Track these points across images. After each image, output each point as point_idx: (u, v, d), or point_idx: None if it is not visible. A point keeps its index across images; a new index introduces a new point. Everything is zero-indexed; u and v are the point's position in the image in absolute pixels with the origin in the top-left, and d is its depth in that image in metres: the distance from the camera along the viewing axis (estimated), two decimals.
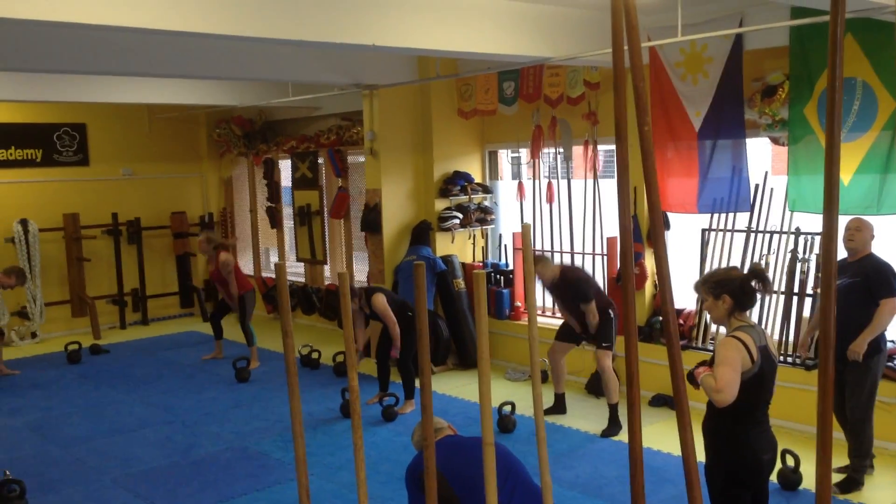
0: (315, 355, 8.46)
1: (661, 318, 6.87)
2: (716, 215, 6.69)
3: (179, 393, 7.67)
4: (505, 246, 8.69)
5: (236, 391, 7.67)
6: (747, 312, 3.58)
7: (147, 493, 5.36)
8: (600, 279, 7.50)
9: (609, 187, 7.56)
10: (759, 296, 3.61)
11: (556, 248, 7.94)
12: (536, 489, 3.28)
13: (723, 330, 3.63)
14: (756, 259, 6.49)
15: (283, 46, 6.39)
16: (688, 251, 6.95)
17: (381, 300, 6.58)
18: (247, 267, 11.40)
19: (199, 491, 5.36)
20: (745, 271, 3.66)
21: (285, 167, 10.70)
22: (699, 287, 3.66)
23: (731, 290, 3.48)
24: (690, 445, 1.74)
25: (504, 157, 9.03)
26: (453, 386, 7.50)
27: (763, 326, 6.17)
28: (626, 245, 1.69)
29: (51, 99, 8.52)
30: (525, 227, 1.97)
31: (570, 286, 6.30)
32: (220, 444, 6.23)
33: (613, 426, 6.14)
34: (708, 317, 6.49)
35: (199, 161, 11.67)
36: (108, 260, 10.67)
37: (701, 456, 2.77)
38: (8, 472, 5.18)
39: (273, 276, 11.25)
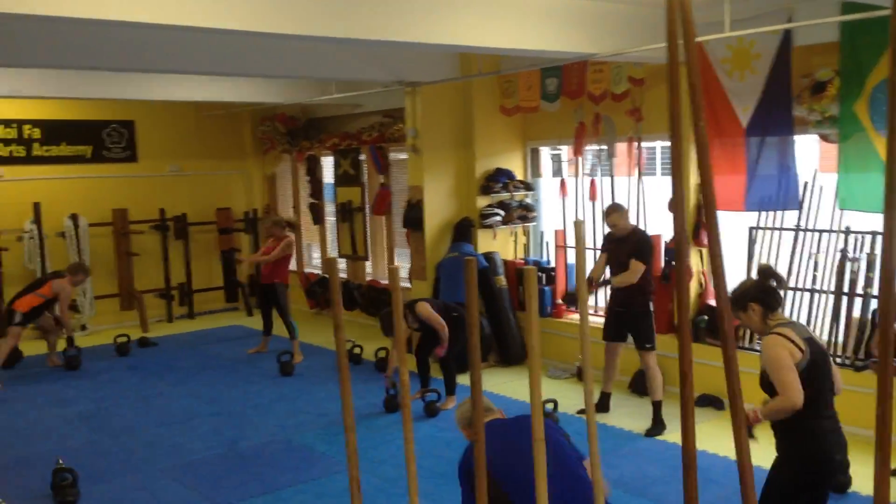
0: (357, 350, 8.52)
1: (705, 318, 6.79)
2: (763, 213, 6.59)
3: (225, 386, 7.80)
4: (547, 243, 8.65)
5: (280, 385, 7.77)
6: (781, 312, 3.62)
7: (195, 483, 5.47)
8: None
9: (652, 185, 7.48)
10: (780, 292, 3.65)
11: (599, 245, 7.87)
12: (588, 485, 3.20)
13: None
14: (808, 257, 6.39)
15: (326, 44, 6.44)
16: (735, 250, 6.85)
17: (425, 307, 6.65)
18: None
19: (245, 482, 5.45)
20: (755, 275, 3.70)
21: (328, 164, 10.80)
22: None
23: (753, 296, 3.57)
24: (745, 446, 1.73)
25: (545, 154, 8.99)
26: (495, 383, 7.50)
27: (812, 327, 6.08)
28: (680, 242, 1.68)
29: (100, 96, 8.69)
30: (577, 223, 1.97)
31: (637, 241, 6.24)
32: (265, 437, 6.33)
33: (657, 425, 6.09)
34: None
35: (243, 158, 11.83)
36: (156, 255, 10.88)
37: (756, 459, 2.72)
38: (61, 461, 5.31)
39: (315, 271, 11.36)
